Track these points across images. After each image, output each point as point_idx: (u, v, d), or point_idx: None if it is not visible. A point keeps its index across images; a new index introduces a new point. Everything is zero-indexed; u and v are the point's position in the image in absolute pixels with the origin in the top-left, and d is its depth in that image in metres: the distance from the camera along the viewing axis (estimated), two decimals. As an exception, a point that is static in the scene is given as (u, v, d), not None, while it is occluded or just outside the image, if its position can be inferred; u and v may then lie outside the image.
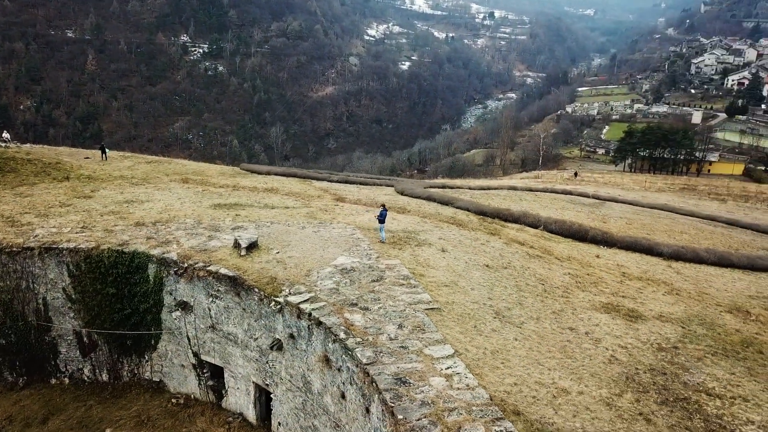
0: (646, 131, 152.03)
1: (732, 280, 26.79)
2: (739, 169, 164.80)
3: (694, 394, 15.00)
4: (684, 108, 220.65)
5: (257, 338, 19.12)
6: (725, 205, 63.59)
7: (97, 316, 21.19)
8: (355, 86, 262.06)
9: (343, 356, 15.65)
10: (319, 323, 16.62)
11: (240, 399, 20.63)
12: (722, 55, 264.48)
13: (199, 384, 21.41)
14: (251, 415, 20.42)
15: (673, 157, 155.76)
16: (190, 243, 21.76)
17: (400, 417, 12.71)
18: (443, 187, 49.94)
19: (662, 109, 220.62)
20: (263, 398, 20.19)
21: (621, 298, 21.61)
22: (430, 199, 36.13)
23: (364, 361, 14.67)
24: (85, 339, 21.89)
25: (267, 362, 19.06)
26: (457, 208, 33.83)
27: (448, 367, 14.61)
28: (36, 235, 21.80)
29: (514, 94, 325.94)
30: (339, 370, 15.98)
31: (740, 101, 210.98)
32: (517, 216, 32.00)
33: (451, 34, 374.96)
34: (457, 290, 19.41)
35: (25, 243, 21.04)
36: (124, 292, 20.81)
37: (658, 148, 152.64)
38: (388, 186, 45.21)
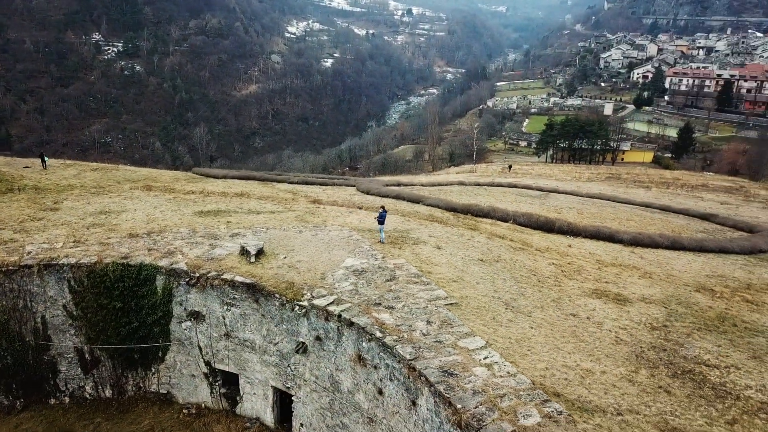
0: (566, 123, 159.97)
1: (687, 261, 29.47)
2: (649, 157, 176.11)
3: (696, 366, 16.82)
4: (596, 100, 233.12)
5: (277, 343, 19.48)
6: (651, 192, 68.32)
7: (101, 332, 20.76)
8: (279, 84, 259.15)
9: (381, 354, 16.39)
10: (351, 324, 17.26)
11: (256, 404, 20.87)
12: (627, 50, 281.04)
13: (212, 392, 21.44)
14: (269, 419, 20.73)
15: (590, 147, 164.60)
16: (194, 252, 21.69)
17: (459, 406, 13.64)
18: (398, 184, 51.09)
19: (576, 102, 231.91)
20: (281, 401, 20.54)
21: (605, 284, 23.47)
22: (399, 197, 37.14)
23: (408, 357, 15.49)
24: (86, 355, 21.38)
25: (289, 365, 19.46)
26: (427, 205, 35.01)
27: (485, 357, 15.68)
28: (29, 252, 21.04)
29: (435, 90, 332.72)
30: (375, 367, 16.70)
31: (646, 93, 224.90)
32: (486, 211, 33.58)
33: (371, 31, 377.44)
34: (465, 285, 20.54)
35: (21, 261, 20.29)
36: (131, 306, 20.53)
37: (577, 139, 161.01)
38: (349, 186, 45.83)
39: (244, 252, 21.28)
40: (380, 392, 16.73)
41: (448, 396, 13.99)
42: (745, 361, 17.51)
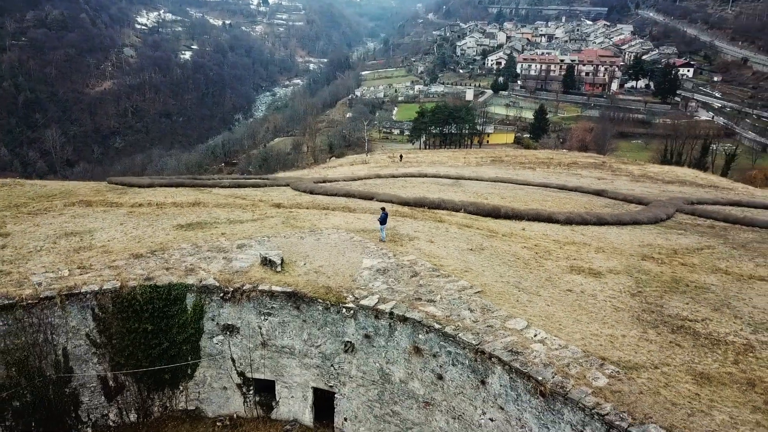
0: (436, 110, 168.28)
1: (617, 235, 34.10)
2: (510, 138, 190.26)
3: (683, 322, 20.50)
4: (457, 87, 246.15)
5: (320, 345, 20.53)
6: (537, 173, 74.86)
7: (130, 356, 20.40)
8: (136, 79, 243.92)
9: (441, 343, 18.23)
10: (405, 319, 18.88)
11: (294, 406, 21.72)
12: (480, 38, 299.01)
13: (245, 402, 21.90)
14: (307, 419, 21.71)
15: (459, 132, 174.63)
16: (214, 267, 21.86)
17: (539, 378, 15.95)
18: (324, 181, 52.11)
19: (440, 89, 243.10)
20: (317, 400, 21.61)
21: (574, 261, 26.93)
22: (350, 195, 38.51)
23: (475, 342, 17.50)
24: (110, 382, 20.86)
25: (332, 365, 20.60)
26: (380, 201, 36.75)
27: (535, 335, 18.11)
28: (39, 284, 20.04)
29: (300, 81, 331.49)
30: (434, 356, 18.51)
31: (501, 79, 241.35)
32: (437, 203, 36.11)
33: (228, 22, 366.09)
34: (477, 274, 22.85)
35: (39, 293, 19.35)
36: (160, 327, 20.40)
37: (447, 125, 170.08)
38: (281, 185, 46.12)
39: (266, 262, 21.88)
40: (440, 377, 18.57)
41: (527, 371, 16.23)
42: (711, 314, 21.54)
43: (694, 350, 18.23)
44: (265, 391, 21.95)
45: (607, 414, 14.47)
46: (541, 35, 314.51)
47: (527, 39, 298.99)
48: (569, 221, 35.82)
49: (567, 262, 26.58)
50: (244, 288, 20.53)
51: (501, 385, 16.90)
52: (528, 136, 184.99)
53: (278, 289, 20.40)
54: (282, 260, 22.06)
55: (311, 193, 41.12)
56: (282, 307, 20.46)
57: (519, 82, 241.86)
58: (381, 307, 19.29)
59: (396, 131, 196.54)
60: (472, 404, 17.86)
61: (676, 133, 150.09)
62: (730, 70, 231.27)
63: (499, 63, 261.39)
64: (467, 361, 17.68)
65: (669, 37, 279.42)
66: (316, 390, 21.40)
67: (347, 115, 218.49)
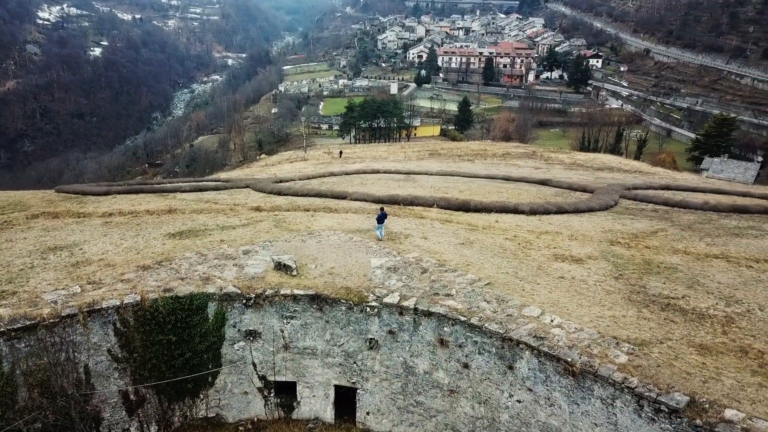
0: (365, 105, 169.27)
1: (579, 222, 36.56)
2: (437, 130, 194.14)
3: (669, 300, 22.68)
4: (381, 80, 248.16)
5: (342, 344, 21.27)
6: (477, 165, 77.59)
7: (153, 368, 20.33)
8: (43, 78, 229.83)
9: (467, 333, 19.48)
10: (429, 314, 19.99)
11: (315, 405, 22.34)
12: (400, 31, 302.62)
13: (266, 404, 22.27)
14: (329, 416, 22.40)
15: (388, 125, 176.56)
16: (229, 275, 22.03)
17: (568, 359, 17.50)
18: (280, 181, 52.13)
19: (364, 83, 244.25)
20: (339, 397, 22.36)
21: (555, 249, 28.90)
22: (321, 195, 38.99)
23: (502, 331, 18.85)
24: (131, 396, 20.70)
25: (355, 362, 21.40)
26: (354, 200, 37.55)
27: (552, 320, 19.69)
28: (54, 302, 19.58)
29: (218, 77, 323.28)
30: (460, 346, 19.73)
31: (423, 72, 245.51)
32: (410, 200, 37.33)
33: (138, 16, 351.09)
34: (479, 267, 24.23)
35: (61, 311, 18.95)
36: (183, 337, 20.46)
37: (376, 119, 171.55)
38: (244, 188, 45.88)
39: (281, 267, 22.30)
40: (465, 366, 19.82)
41: (556, 353, 17.75)
42: (687, 291, 23.94)
43: (687, 325, 20.40)
44: (285, 392, 22.43)
45: (635, 387, 16.19)
46: (458, 28, 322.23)
47: (446, 32, 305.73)
48: (533, 211, 38.00)
49: (549, 251, 28.48)
50: (266, 293, 20.91)
51: (530, 369, 18.35)
52: (454, 128, 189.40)
53: (301, 292, 20.93)
54: (295, 264, 22.54)
55: (279, 194, 41.28)
56: (305, 310, 21.02)
57: (441, 75, 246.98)
58: (405, 303, 20.28)
59: (324, 126, 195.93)
60: (498, 388, 19.23)
61: (592, 121, 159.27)
62: (634, 61, 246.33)
63: (420, 56, 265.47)
64: (494, 349, 19.01)
65: (578, 30, 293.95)
66: (337, 387, 22.12)
67: (273, 111, 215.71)
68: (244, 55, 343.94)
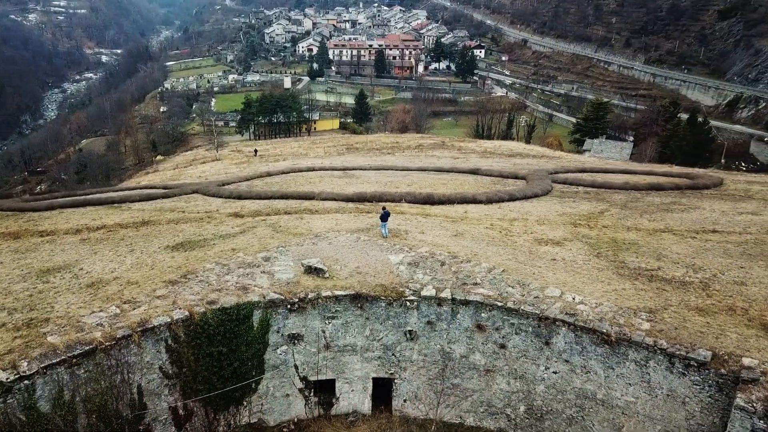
0: (263, 100, 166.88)
1: (533, 207, 39.59)
2: (336, 123, 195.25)
3: (651, 272, 25.76)
4: (273, 75, 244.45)
5: (381, 338, 22.47)
6: (398, 157, 79.79)
7: (204, 380, 20.42)
8: None
9: (504, 317, 21.44)
10: (467, 302, 21.72)
11: (354, 399, 23.36)
12: (287, 25, 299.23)
13: (306, 404, 22.95)
14: (366, 407, 23.53)
15: (287, 120, 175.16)
16: (263, 282, 22.35)
17: (603, 330, 19.94)
18: (223, 184, 51.41)
19: (256, 77, 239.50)
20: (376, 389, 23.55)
21: (533, 234, 31.54)
22: (286, 197, 39.21)
23: (537, 312, 20.96)
24: (180, 411, 20.66)
25: (393, 354, 22.68)
26: (323, 199, 38.23)
27: (574, 298, 22.10)
28: (98, 324, 19.11)
29: (93, 74, 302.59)
30: (497, 329, 21.67)
31: (315, 65, 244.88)
32: (379, 196, 38.66)
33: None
34: (486, 256, 26.22)
35: (115, 333, 18.58)
36: (231, 347, 20.71)
37: (274, 114, 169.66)
38: (192, 193, 44.85)
39: (311, 270, 23.00)
40: (502, 347, 21.79)
41: (591, 326, 20.14)
42: (659, 263, 27.33)
43: (676, 292, 23.63)
44: (325, 390, 23.23)
45: (666, 348, 18.93)
46: (345, 21, 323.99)
47: (333, 25, 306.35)
48: (490, 200, 40.69)
49: (529, 236, 31.10)
50: (309, 296, 21.61)
51: (566, 342, 20.65)
52: (352, 120, 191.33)
53: (342, 293, 21.84)
54: (326, 267, 23.33)
55: (239, 198, 40.94)
56: (346, 309, 21.96)
57: (333, 68, 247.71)
58: (442, 295, 21.85)
59: (220, 123, 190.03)
60: (534, 363, 21.40)
61: (484, 110, 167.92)
62: (514, 51, 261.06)
63: (310, 50, 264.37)
64: (530, 328, 21.13)
65: (459, 21, 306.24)
66: (375, 379, 23.27)
67: (161, 110, 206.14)
68: (119, 51, 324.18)
